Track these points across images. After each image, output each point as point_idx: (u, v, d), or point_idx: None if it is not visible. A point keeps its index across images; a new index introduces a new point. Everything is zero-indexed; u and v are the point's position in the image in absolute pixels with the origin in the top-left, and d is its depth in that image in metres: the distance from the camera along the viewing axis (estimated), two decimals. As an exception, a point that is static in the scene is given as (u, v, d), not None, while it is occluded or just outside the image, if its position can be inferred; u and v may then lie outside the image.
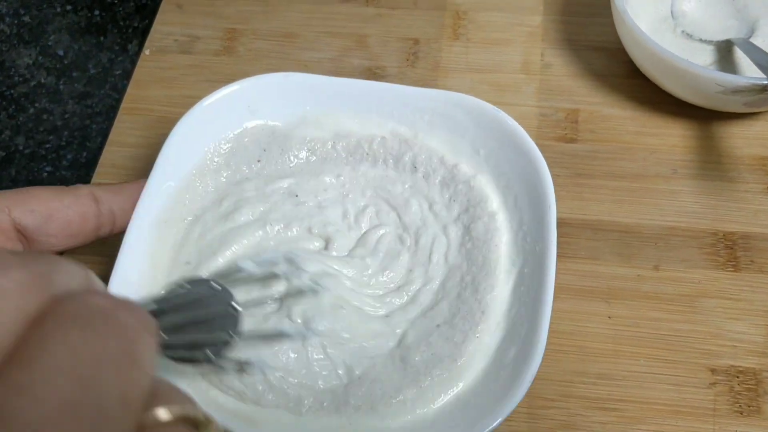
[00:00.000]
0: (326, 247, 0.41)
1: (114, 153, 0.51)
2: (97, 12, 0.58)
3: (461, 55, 0.53)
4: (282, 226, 0.41)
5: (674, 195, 0.47)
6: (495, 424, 0.33)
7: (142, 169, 0.50)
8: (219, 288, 0.33)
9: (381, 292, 0.40)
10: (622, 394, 0.40)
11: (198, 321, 0.31)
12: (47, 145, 0.54)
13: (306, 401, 0.36)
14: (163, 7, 0.57)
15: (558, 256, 0.38)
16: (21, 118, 0.55)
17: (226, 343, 0.32)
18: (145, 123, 0.52)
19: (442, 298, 0.39)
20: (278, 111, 0.44)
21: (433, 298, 0.40)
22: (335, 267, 0.40)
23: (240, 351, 0.33)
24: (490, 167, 0.42)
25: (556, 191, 0.40)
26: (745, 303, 0.43)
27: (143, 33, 0.57)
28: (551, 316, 0.36)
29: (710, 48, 0.51)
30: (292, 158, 0.44)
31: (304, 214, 0.42)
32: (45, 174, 0.52)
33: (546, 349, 0.35)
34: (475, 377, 0.37)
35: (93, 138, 0.54)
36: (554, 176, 0.40)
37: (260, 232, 0.41)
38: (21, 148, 0.54)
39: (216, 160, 0.44)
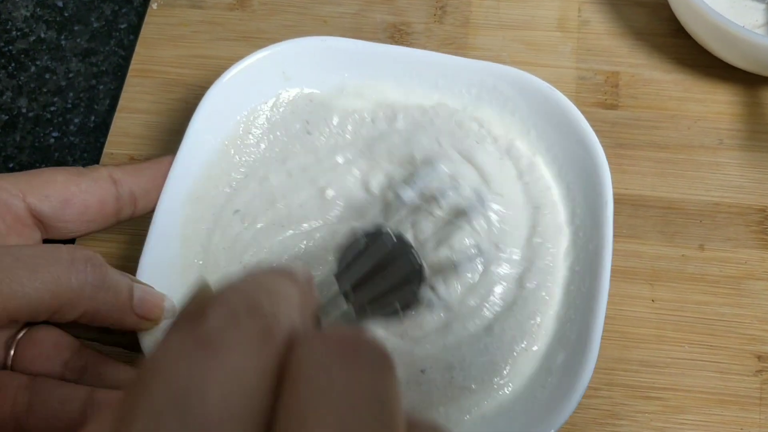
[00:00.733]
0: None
1: (125, 120, 0.48)
2: (94, -46, 0.53)
3: (492, 10, 0.50)
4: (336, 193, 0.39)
5: (719, 167, 0.44)
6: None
7: (155, 138, 0.47)
8: (395, 240, 0.33)
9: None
10: (666, 382, 0.39)
11: (384, 278, 0.31)
12: (52, 108, 0.50)
13: None
14: (168, -47, 0.53)
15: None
16: (22, 78, 0.52)
17: (412, 301, 0.33)
18: (156, 86, 0.49)
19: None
20: (315, 78, 0.42)
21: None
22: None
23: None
24: (542, 150, 0.40)
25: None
26: (793, 285, 0.41)
27: (147, -20, 0.53)
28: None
29: (762, 7, 0.47)
30: (338, 129, 0.41)
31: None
32: (52, 140, 0.49)
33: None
34: (520, 383, 0.35)
35: (101, 100, 0.50)
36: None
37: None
38: (24, 111, 0.50)
39: (253, 131, 0.41)
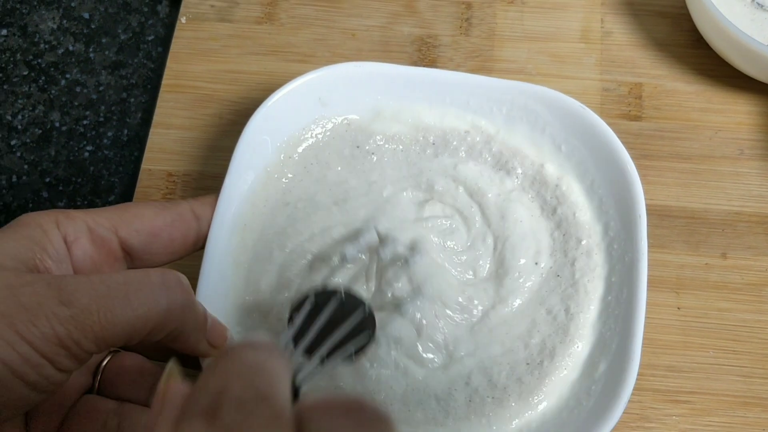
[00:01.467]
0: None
1: (160, 136, 0.49)
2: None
3: (517, 21, 0.51)
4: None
5: (740, 177, 0.46)
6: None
7: (191, 154, 0.48)
8: (343, 298, 0.35)
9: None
10: (692, 387, 0.42)
11: (333, 333, 0.32)
12: (85, 122, 0.51)
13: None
14: (193, -36, 0.54)
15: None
16: (53, 92, 0.52)
17: (366, 344, 0.35)
18: (189, 102, 0.50)
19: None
20: (351, 103, 0.43)
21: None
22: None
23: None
24: (573, 165, 0.42)
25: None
26: (811, 292, 0.44)
27: (170, -11, 0.53)
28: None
29: (781, 19, 0.49)
30: (376, 154, 0.43)
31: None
32: (86, 153, 0.50)
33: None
34: (562, 390, 0.38)
35: (132, 113, 0.51)
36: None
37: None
38: (57, 124, 0.51)
39: (294, 156, 0.43)
